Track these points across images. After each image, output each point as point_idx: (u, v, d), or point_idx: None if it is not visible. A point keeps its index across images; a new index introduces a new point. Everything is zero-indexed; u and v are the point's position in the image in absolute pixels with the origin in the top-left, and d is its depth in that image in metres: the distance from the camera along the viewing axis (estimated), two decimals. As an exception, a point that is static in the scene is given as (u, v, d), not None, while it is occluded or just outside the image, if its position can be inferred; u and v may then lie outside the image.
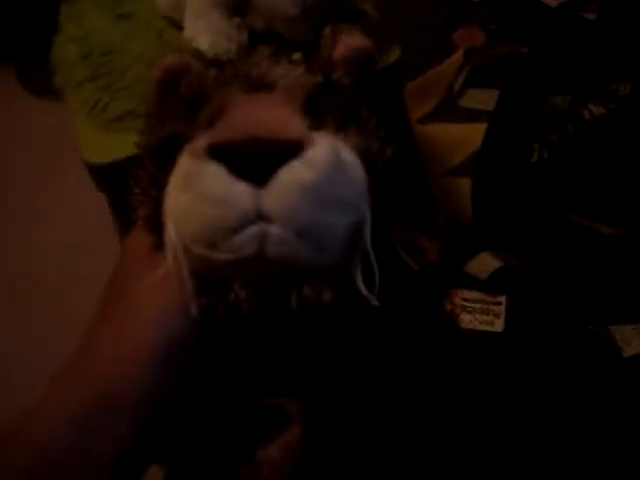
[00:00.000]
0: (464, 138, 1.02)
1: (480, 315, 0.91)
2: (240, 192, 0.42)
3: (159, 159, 0.50)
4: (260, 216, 0.43)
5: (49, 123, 1.75)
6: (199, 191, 0.43)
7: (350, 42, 0.58)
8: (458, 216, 0.96)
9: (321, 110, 0.51)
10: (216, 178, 0.43)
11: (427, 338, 0.55)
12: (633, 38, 1.04)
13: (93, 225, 1.27)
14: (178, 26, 0.85)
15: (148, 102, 0.57)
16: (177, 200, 0.45)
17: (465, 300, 0.92)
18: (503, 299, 0.92)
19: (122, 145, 0.79)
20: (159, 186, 0.48)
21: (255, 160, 0.43)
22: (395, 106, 0.88)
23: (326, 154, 0.44)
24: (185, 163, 0.45)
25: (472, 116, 1.03)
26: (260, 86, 0.52)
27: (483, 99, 1.04)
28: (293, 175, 0.43)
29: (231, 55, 0.81)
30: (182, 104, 0.54)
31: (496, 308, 0.91)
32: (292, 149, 0.43)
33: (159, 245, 0.49)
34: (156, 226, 0.48)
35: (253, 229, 0.43)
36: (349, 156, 0.46)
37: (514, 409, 0.76)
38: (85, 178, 0.82)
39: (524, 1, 1.15)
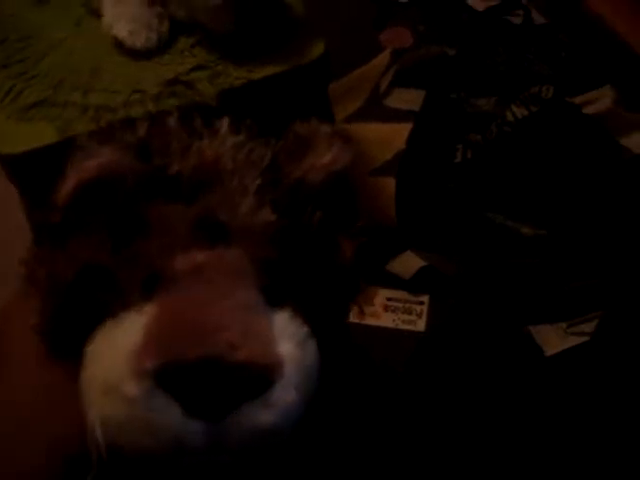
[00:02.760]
0: (389, 138, 1.01)
1: (402, 314, 0.91)
2: (192, 431, 0.37)
3: (69, 293, 0.43)
4: (211, 449, 0.38)
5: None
6: (144, 420, 0.37)
7: (331, 162, 0.48)
8: (382, 215, 0.96)
9: (279, 271, 0.43)
10: (165, 413, 0.37)
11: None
12: (557, 43, 1.06)
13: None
14: (97, 14, 0.83)
15: (57, 211, 0.44)
16: (110, 409, 0.38)
17: (388, 299, 0.92)
18: (426, 299, 0.92)
19: (35, 135, 0.76)
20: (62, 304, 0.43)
21: (213, 397, 0.37)
22: (319, 103, 0.87)
23: (292, 395, 0.39)
24: (125, 379, 0.37)
25: (397, 116, 1.03)
26: (216, 231, 0.43)
27: (409, 99, 1.04)
28: (255, 419, 0.38)
29: (151, 45, 0.79)
30: (107, 220, 0.44)
31: (418, 308, 0.91)
32: (256, 381, 0.38)
33: (50, 349, 0.44)
34: (52, 336, 0.43)
35: (201, 457, 0.39)
36: (313, 355, 0.41)
37: (435, 408, 0.76)
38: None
39: (452, 3, 1.15)
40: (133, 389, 0.37)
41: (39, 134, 0.75)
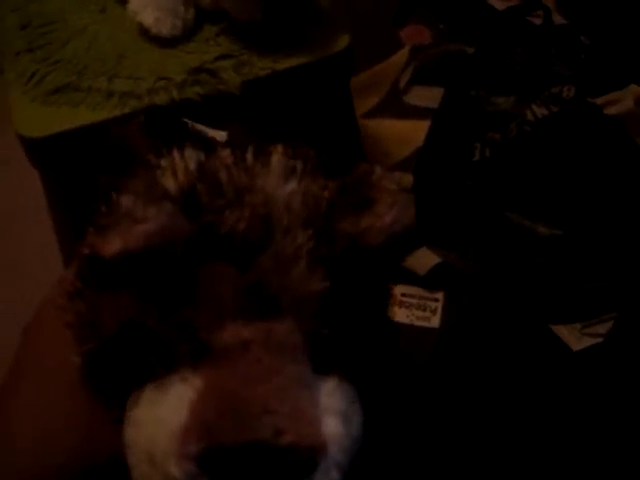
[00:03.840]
0: (407, 135, 1.02)
1: (417, 310, 0.91)
2: None
3: (110, 343, 0.41)
4: None
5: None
6: None
7: (392, 223, 0.42)
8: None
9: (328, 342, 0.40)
10: None
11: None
12: (577, 44, 1.06)
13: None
14: (122, 1, 0.83)
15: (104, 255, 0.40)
16: (152, 477, 0.38)
17: (403, 295, 0.92)
18: (440, 295, 0.92)
19: (58, 119, 0.76)
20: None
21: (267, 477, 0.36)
22: (342, 95, 0.87)
23: (334, 476, 0.38)
24: (169, 459, 0.37)
25: (416, 113, 1.03)
26: (267, 302, 0.41)
27: (428, 96, 1.04)
28: None
29: (176, 32, 0.79)
30: (149, 286, 0.41)
31: (433, 304, 0.91)
32: (300, 465, 0.36)
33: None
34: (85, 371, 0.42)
35: None
36: (358, 426, 0.40)
37: (458, 401, 0.76)
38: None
39: (472, 2, 1.15)
40: (176, 471, 0.36)
41: (63, 119, 0.76)
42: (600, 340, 0.85)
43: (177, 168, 0.43)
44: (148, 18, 0.78)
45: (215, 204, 0.41)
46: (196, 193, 0.42)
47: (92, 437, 0.43)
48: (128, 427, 0.39)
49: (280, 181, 0.43)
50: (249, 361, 0.38)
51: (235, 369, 0.38)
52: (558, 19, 1.12)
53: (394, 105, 1.05)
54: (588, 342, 0.86)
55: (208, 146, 0.45)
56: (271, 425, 0.36)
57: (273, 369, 0.38)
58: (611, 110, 0.93)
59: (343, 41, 0.82)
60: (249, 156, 0.44)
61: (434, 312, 0.91)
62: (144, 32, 0.80)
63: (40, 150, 0.76)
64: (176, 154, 0.43)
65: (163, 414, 0.38)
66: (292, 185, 0.43)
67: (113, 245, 0.38)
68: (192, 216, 0.40)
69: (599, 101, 0.94)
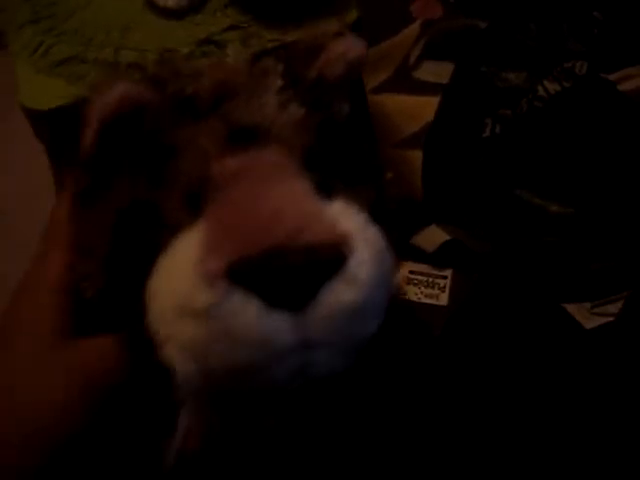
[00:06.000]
0: (417, 110, 1.00)
1: (425, 288, 0.90)
2: (278, 325, 0.35)
3: (115, 234, 0.41)
4: (301, 344, 0.36)
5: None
6: (224, 327, 0.35)
7: (346, 50, 0.46)
8: (408, 188, 0.95)
9: (322, 162, 0.41)
10: (247, 312, 0.34)
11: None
12: (590, 19, 1.04)
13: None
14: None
15: (83, 152, 0.42)
16: (190, 331, 0.36)
17: (411, 272, 0.91)
18: (449, 273, 0.91)
19: (63, 91, 0.75)
20: (114, 266, 0.40)
21: (290, 284, 0.35)
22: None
23: (369, 267, 0.36)
24: (197, 290, 0.35)
25: (426, 88, 1.02)
26: (246, 136, 0.41)
27: (438, 72, 1.03)
28: (336, 299, 0.35)
29: (183, 4, 0.78)
30: (136, 157, 0.42)
31: (441, 282, 0.90)
32: (328, 259, 0.35)
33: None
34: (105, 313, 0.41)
35: (294, 361, 0.36)
36: (381, 241, 0.38)
37: (459, 383, 0.75)
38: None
39: (483, -24, 1.13)
40: (207, 297, 0.35)
41: (69, 91, 0.74)
42: (611, 319, 0.85)
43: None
44: (154, -10, 0.77)
45: (177, 78, 0.43)
46: (158, 74, 0.44)
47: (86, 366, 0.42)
48: (147, 310, 0.38)
49: (237, 56, 0.47)
50: (246, 185, 0.38)
51: (234, 195, 0.38)
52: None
53: (404, 80, 1.04)
54: (598, 321, 0.85)
55: None
56: (288, 227, 0.35)
57: (274, 184, 0.38)
58: (625, 86, 0.91)
59: (352, 15, 0.80)
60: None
61: (443, 290, 0.90)
62: (151, 4, 0.78)
63: (45, 123, 0.75)
64: None
65: (178, 262, 0.37)
66: (246, 56, 0.47)
67: (90, 125, 0.40)
68: (158, 89, 0.42)
69: (612, 77, 0.93)
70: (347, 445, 0.47)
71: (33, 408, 0.42)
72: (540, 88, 0.93)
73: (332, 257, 0.35)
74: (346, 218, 0.37)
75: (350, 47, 0.46)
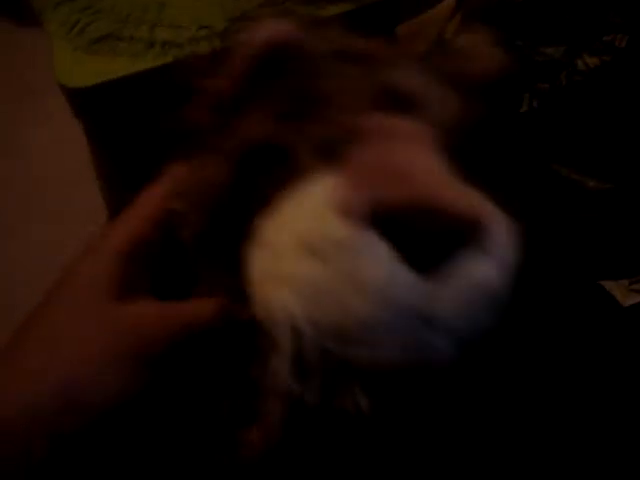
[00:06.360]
0: (453, 85, 0.99)
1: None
2: (405, 280, 0.33)
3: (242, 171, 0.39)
4: (423, 316, 0.33)
5: (28, 46, 1.70)
6: (350, 268, 0.33)
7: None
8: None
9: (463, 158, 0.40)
10: (377, 256, 0.32)
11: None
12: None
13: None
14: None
15: (227, 85, 0.40)
16: (305, 269, 0.33)
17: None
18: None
19: (101, 69, 0.76)
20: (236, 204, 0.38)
21: (429, 242, 0.33)
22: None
23: (507, 245, 0.36)
24: (333, 226, 0.33)
25: (462, 63, 1.01)
26: (401, 103, 0.40)
27: (475, 46, 1.01)
28: (471, 268, 0.34)
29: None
30: (280, 98, 0.40)
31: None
32: (470, 226, 0.34)
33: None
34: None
35: (412, 336, 0.33)
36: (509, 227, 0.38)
37: (495, 360, 0.75)
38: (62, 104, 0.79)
39: (521, -52, 1.11)
40: (344, 232, 0.33)
41: (105, 68, 0.75)
42: (649, 297, 0.84)
43: None
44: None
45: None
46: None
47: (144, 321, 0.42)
48: (251, 260, 0.36)
49: None
50: (391, 143, 0.37)
51: (378, 151, 0.36)
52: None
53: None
54: (636, 298, 0.84)
55: None
56: (432, 185, 0.34)
57: (416, 149, 0.37)
58: (666, 59, 0.90)
59: (388, -12, 0.79)
60: None
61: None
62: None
63: (83, 101, 0.76)
64: None
65: (308, 201, 0.35)
66: None
67: (240, 55, 0.39)
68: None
69: (653, 50, 0.91)
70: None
71: (73, 363, 0.42)
72: (579, 62, 0.92)
73: (471, 224, 0.34)
74: (483, 202, 0.37)
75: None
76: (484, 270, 0.34)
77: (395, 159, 0.35)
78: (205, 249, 0.40)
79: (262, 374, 0.39)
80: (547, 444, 0.66)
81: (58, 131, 1.53)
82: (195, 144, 0.42)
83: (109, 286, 0.43)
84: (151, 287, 0.44)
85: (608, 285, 0.84)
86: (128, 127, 0.46)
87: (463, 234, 0.34)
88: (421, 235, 0.33)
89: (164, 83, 0.47)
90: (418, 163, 0.35)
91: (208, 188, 0.40)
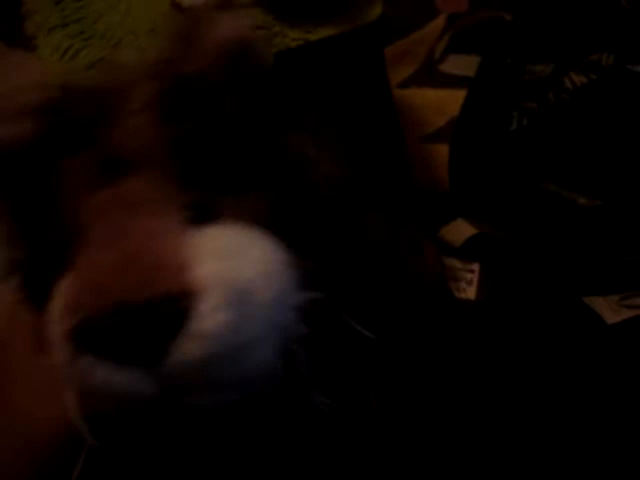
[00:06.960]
0: (443, 104, 1.00)
1: (452, 282, 0.90)
2: (133, 380, 0.34)
3: None
4: (165, 394, 0.35)
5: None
6: (84, 387, 0.35)
7: (224, 34, 0.41)
8: (434, 182, 0.95)
9: (204, 176, 0.38)
10: (96, 373, 0.34)
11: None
12: (617, 9, 1.03)
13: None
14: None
15: None
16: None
17: (438, 266, 0.91)
18: (476, 267, 0.91)
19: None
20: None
21: (136, 341, 0.34)
22: (376, 65, 0.86)
23: (217, 315, 0.34)
24: (57, 355, 0.35)
25: (452, 82, 1.02)
26: (116, 166, 0.38)
27: (464, 65, 1.02)
28: (184, 355, 0.34)
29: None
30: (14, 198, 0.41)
31: (469, 275, 0.90)
32: (170, 315, 0.34)
33: None
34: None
35: (167, 409, 0.36)
36: (254, 264, 0.37)
37: (488, 379, 0.76)
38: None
39: (508, -32, 1.13)
40: (61, 356, 0.35)
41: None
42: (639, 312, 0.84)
43: None
44: (180, -8, 0.77)
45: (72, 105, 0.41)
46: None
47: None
48: None
49: None
50: (112, 223, 0.37)
51: (98, 238, 0.36)
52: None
53: (429, 74, 1.04)
54: (626, 314, 0.85)
55: None
56: (130, 282, 0.34)
57: (137, 220, 0.36)
58: (652, 77, 0.91)
59: (376, 10, 0.81)
60: None
61: (470, 283, 0.90)
62: (176, 6, 0.79)
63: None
64: None
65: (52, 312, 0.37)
66: None
67: None
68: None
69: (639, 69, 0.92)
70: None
71: None
72: (566, 80, 0.93)
73: (172, 312, 0.34)
74: (210, 254, 0.36)
75: (230, 27, 0.41)
76: (194, 350, 0.34)
77: (109, 252, 0.36)
78: None
79: None
80: (533, 461, 0.67)
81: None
82: None
83: None
84: None
85: (597, 301, 0.85)
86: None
87: (167, 321, 0.34)
88: (129, 336, 0.33)
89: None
90: (130, 245, 0.35)
91: None
